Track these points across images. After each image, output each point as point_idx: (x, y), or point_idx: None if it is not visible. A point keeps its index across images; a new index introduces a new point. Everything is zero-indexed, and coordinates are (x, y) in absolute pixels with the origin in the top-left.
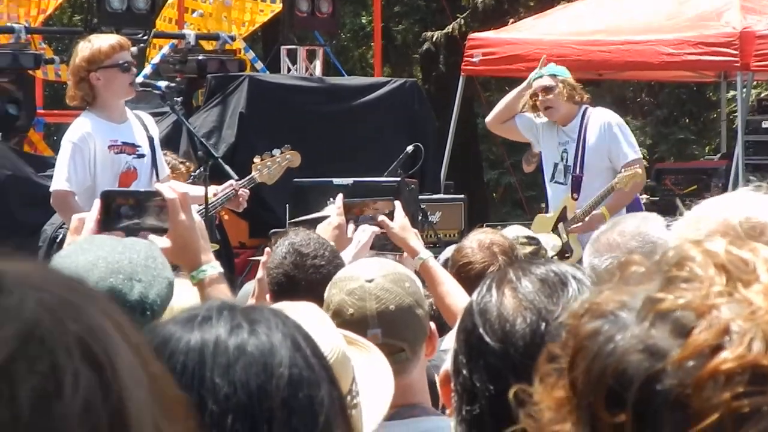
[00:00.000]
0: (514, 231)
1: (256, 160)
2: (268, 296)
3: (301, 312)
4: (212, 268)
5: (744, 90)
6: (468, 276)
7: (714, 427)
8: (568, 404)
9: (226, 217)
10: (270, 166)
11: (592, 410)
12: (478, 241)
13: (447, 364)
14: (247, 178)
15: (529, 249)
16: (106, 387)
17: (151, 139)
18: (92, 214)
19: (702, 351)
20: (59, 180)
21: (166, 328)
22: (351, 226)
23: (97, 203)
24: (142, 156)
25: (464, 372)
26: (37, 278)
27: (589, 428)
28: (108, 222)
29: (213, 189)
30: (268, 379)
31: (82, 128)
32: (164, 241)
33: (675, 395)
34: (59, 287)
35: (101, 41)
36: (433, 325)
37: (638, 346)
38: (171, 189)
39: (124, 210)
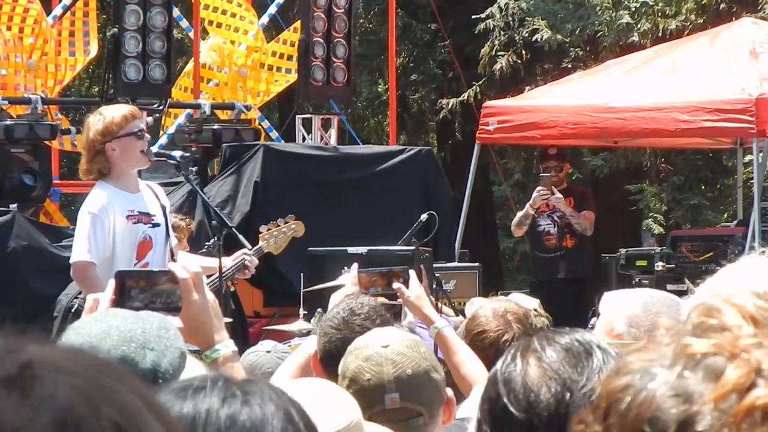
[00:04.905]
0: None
1: (262, 229)
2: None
3: (319, 386)
4: (225, 347)
5: (761, 156)
6: (482, 345)
7: None
8: None
9: (232, 288)
10: (276, 235)
11: None
12: (492, 309)
13: None
14: (255, 248)
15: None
16: None
17: (163, 209)
18: (107, 295)
19: (736, 390)
20: (80, 251)
21: (159, 397)
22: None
23: (111, 283)
24: (157, 225)
25: None
26: (67, 363)
27: None
28: (121, 302)
29: (225, 260)
30: None
31: (100, 199)
32: (176, 321)
33: None
34: (90, 370)
35: (112, 112)
36: (450, 391)
37: (671, 392)
38: (183, 268)
39: (136, 291)
